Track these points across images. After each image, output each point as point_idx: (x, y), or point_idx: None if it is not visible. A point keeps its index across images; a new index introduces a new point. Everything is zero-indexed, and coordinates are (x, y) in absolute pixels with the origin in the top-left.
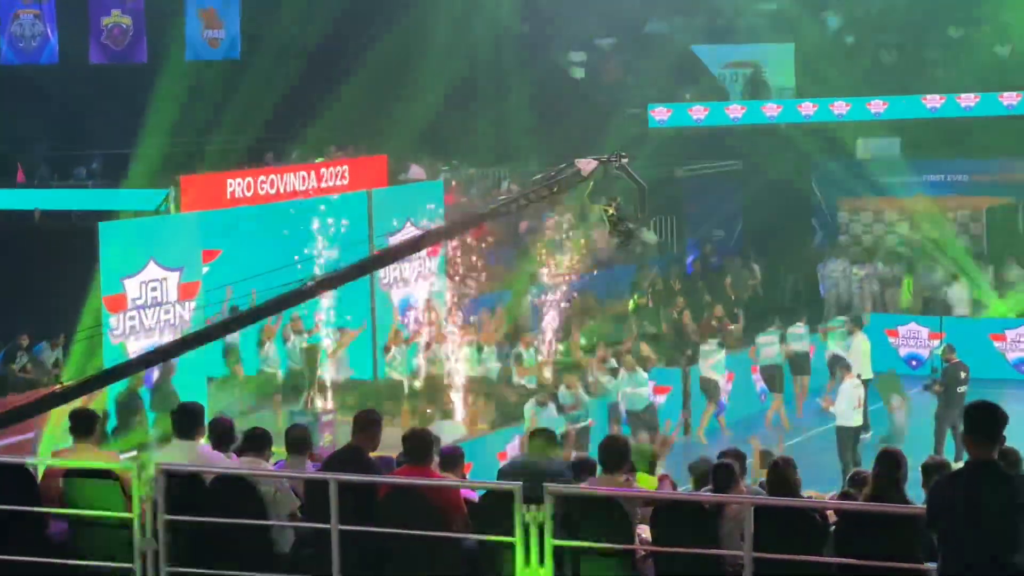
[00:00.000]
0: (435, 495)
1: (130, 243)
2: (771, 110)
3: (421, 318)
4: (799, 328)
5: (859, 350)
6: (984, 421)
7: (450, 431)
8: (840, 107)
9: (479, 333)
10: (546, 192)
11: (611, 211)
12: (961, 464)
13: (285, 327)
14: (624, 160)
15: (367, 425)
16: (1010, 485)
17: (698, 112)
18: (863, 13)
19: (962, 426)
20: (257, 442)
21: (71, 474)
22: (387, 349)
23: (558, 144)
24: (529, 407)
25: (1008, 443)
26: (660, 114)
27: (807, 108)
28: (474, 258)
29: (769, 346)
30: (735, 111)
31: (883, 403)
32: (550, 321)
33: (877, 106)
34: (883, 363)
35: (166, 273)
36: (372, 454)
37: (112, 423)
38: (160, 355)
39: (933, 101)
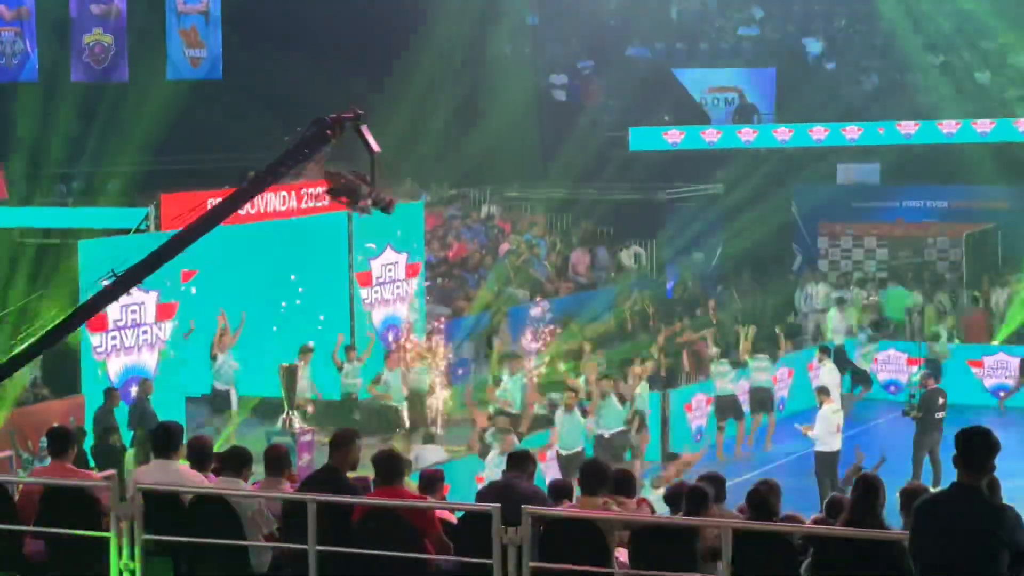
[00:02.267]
0: (409, 515)
1: (110, 262)
2: (747, 135)
3: (402, 339)
4: (762, 361)
5: (826, 379)
6: (974, 447)
7: (432, 455)
8: (818, 132)
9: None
10: (302, 157)
11: (343, 179)
12: (939, 489)
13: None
14: (360, 121)
15: (342, 444)
16: (990, 514)
17: (674, 136)
18: (844, 39)
19: (940, 451)
20: (235, 461)
21: (48, 493)
22: (340, 367)
23: (538, 166)
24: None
25: None
26: (641, 138)
27: (783, 133)
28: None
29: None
30: (711, 135)
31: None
32: (528, 343)
33: (852, 132)
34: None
35: (144, 296)
36: (350, 474)
37: (89, 441)
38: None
39: (908, 127)
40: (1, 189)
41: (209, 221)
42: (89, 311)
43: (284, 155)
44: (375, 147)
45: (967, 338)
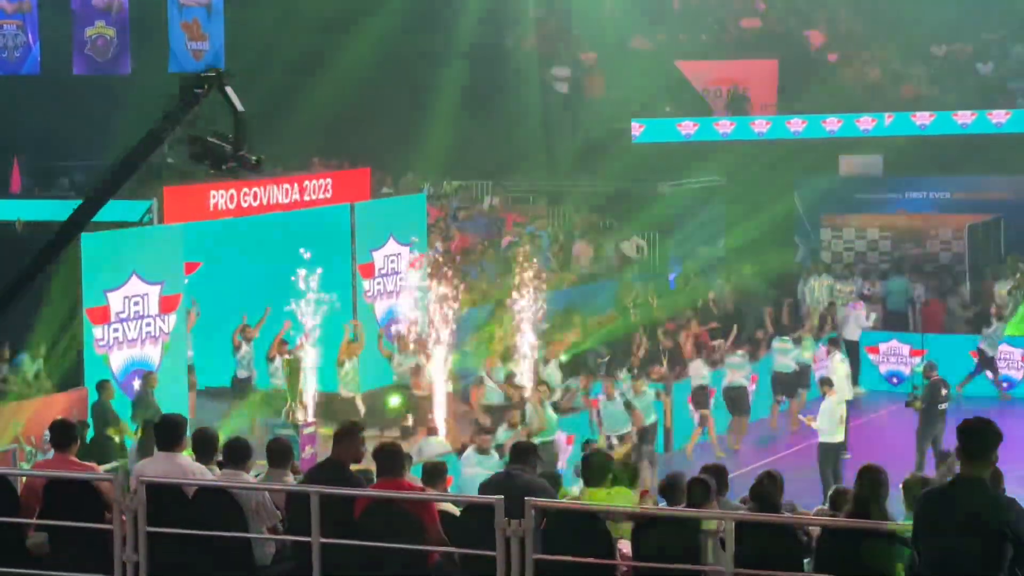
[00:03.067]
0: (411, 507)
1: (112, 255)
2: (760, 126)
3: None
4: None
5: (835, 371)
6: (976, 439)
7: (435, 447)
8: (832, 123)
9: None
10: (178, 119)
11: (204, 143)
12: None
13: (271, 346)
14: (223, 80)
15: (345, 437)
16: (993, 505)
17: (687, 127)
18: (846, 30)
19: (943, 442)
20: (237, 454)
21: (51, 485)
22: (340, 363)
23: (541, 158)
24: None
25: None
26: (643, 130)
27: (796, 124)
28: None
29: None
30: (724, 127)
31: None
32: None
33: (866, 123)
34: (865, 380)
35: (148, 288)
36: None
37: (91, 434)
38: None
39: (923, 118)
40: (16, 182)
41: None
42: None
43: (164, 120)
44: (239, 106)
45: (924, 329)
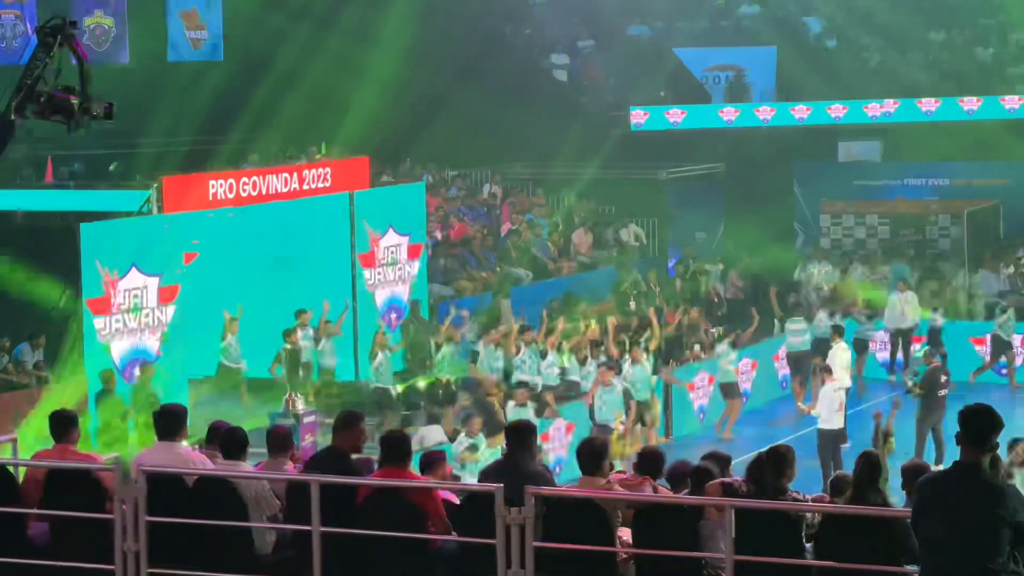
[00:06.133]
0: (414, 496)
1: (112, 245)
2: (764, 113)
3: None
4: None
5: (837, 359)
6: (976, 425)
7: (435, 436)
8: (837, 110)
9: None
10: (36, 69)
11: (50, 97)
12: (942, 467)
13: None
14: (69, 30)
15: (346, 426)
16: (991, 492)
17: (686, 115)
18: (845, 17)
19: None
20: (234, 443)
21: (52, 475)
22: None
23: (540, 146)
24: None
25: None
26: (642, 117)
27: (800, 111)
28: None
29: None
30: (728, 114)
31: None
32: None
33: (873, 109)
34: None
35: (147, 280)
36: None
37: (94, 424)
38: None
39: (929, 105)
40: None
41: None
42: None
43: (24, 72)
44: (84, 56)
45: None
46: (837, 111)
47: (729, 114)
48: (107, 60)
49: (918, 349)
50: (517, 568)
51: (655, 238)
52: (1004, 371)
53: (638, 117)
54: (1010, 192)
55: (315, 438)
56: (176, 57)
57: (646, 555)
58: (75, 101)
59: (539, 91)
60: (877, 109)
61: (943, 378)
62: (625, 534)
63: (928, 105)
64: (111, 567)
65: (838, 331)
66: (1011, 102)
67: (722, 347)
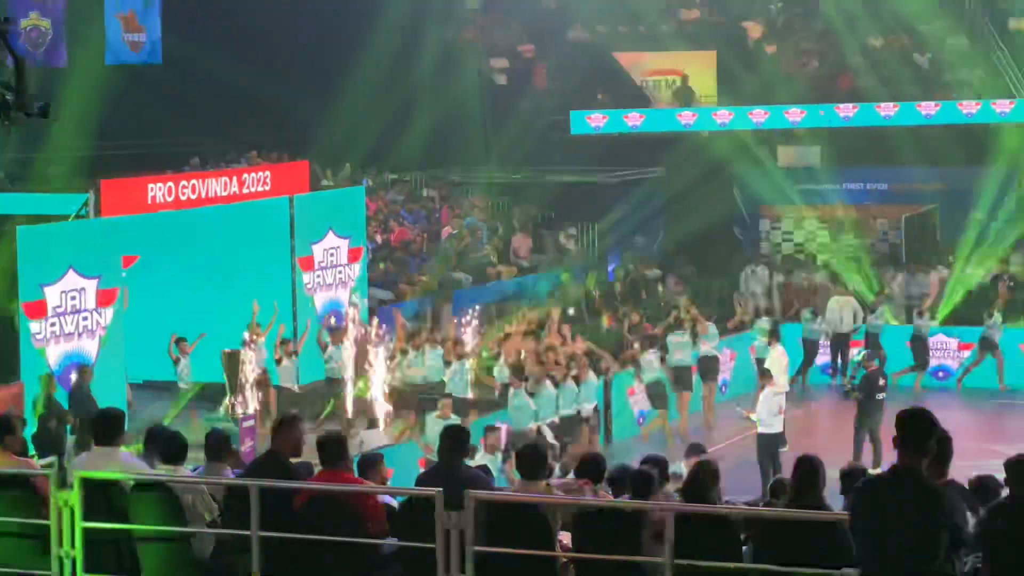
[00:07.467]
0: (351, 498)
1: (49, 248)
2: (686, 118)
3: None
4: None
5: (776, 362)
6: (913, 428)
7: (376, 439)
8: (758, 115)
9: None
10: None
11: None
12: (880, 471)
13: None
14: (7, 26)
15: (283, 429)
16: (930, 495)
17: (633, 119)
18: (784, 22)
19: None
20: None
21: None
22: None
23: (480, 150)
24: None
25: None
26: (580, 121)
27: (723, 116)
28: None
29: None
30: (687, 118)
31: None
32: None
33: (795, 114)
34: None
35: (85, 282)
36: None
37: (31, 428)
38: None
39: (847, 110)
40: None
41: None
42: None
43: None
44: (19, 56)
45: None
46: (758, 116)
47: (687, 118)
48: (44, 62)
49: (856, 353)
50: (456, 572)
51: (594, 243)
52: (940, 374)
53: (597, 120)
54: (946, 197)
55: (254, 442)
56: (114, 60)
57: (586, 559)
58: (10, 98)
59: (480, 95)
60: (798, 114)
61: (881, 381)
62: (566, 538)
63: (887, 110)
64: (47, 574)
65: (775, 335)
66: (968, 107)
67: (650, 355)
